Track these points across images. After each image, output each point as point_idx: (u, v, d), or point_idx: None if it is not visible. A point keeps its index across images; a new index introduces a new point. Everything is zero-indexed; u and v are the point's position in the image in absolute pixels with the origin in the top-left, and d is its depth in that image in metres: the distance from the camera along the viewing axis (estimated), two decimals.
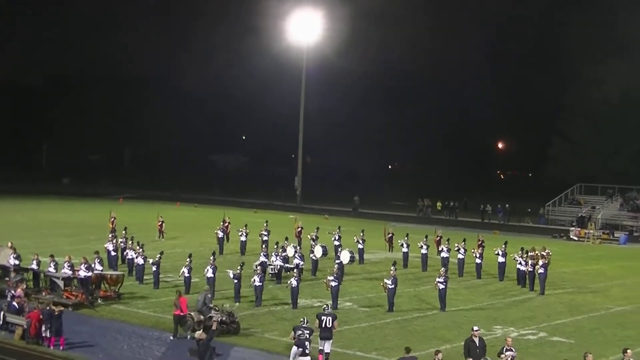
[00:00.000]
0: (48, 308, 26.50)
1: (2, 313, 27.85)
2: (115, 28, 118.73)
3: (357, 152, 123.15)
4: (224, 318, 27.81)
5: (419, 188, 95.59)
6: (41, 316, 26.06)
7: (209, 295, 29.28)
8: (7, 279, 33.38)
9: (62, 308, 26.82)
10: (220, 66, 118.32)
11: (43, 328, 26.06)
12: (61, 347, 25.73)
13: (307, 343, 23.20)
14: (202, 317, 27.71)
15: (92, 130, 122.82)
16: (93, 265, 33.51)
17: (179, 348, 26.07)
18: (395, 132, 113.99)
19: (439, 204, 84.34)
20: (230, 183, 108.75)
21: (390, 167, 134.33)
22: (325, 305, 26.41)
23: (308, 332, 23.58)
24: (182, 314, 27.54)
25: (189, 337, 26.98)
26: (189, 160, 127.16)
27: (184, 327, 27.67)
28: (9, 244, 36.73)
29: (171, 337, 27.36)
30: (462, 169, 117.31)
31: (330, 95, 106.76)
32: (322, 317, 24.97)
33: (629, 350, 22.35)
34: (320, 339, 24.94)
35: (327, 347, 24.92)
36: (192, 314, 27.84)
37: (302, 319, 24.32)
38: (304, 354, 23.09)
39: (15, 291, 29.53)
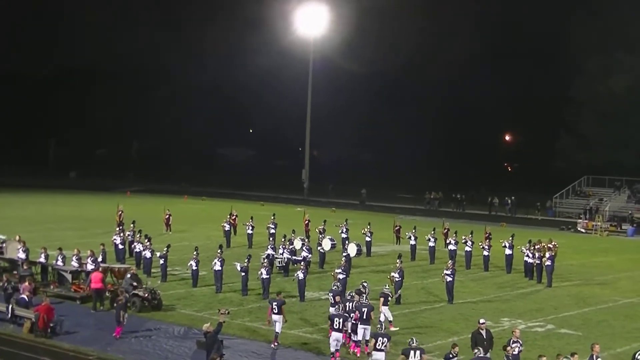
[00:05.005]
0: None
1: (10, 306, 27.94)
2: (122, 21, 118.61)
3: (364, 146, 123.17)
4: (146, 295, 30.05)
5: (426, 181, 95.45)
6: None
7: (128, 275, 31.22)
8: (15, 272, 33.48)
9: (121, 298, 27.38)
10: (227, 59, 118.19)
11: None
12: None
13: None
14: (127, 295, 29.22)
15: (99, 124, 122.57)
16: (99, 259, 33.66)
17: (187, 341, 26.13)
18: (402, 125, 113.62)
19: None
20: (235, 177, 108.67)
21: (397, 160, 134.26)
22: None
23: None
24: (101, 287, 30.09)
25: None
26: (197, 154, 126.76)
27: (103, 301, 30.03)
28: (17, 238, 36.83)
29: (91, 311, 29.56)
30: (469, 162, 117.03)
31: (336, 89, 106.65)
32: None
33: None
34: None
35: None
36: (118, 290, 29.55)
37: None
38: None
39: (22, 285, 29.65)
